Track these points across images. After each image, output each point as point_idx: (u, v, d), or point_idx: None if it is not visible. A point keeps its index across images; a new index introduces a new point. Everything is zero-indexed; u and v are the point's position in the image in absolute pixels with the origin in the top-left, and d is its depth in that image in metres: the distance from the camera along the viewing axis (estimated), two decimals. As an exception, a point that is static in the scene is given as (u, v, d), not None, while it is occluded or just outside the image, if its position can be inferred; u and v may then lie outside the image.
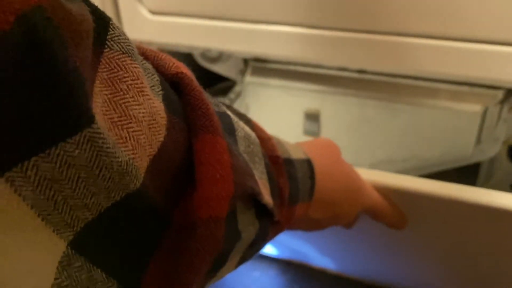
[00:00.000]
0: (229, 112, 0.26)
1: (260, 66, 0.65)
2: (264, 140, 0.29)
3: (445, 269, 0.49)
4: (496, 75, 0.49)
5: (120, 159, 0.17)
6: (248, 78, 0.66)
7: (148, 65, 0.21)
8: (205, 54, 0.69)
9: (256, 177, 0.25)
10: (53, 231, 0.16)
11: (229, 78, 0.71)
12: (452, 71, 0.50)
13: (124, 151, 0.17)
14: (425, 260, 0.50)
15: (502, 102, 0.58)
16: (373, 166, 0.64)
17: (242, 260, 0.28)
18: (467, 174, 0.80)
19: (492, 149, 0.61)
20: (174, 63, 0.23)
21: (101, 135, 0.16)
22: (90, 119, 0.16)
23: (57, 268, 0.17)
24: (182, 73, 0.23)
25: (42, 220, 0.16)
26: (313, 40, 0.54)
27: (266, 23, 0.55)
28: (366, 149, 0.64)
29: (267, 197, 0.26)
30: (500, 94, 0.57)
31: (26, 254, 0.16)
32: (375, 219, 0.42)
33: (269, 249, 0.76)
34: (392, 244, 0.48)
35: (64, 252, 0.17)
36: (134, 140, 0.18)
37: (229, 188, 0.22)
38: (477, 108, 0.57)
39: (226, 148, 0.22)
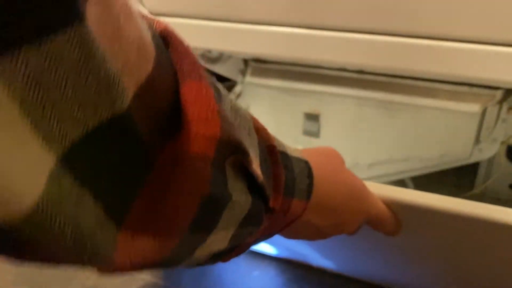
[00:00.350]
0: (219, 85, 0.26)
1: (260, 66, 0.65)
2: (260, 129, 0.29)
3: (442, 272, 0.49)
4: (494, 75, 0.49)
5: (108, 66, 0.17)
6: (248, 78, 0.66)
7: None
8: (205, 54, 0.69)
9: (245, 143, 0.25)
10: (43, 140, 0.16)
11: (229, 78, 0.72)
12: (451, 71, 0.50)
13: (114, 61, 0.18)
14: (422, 264, 0.50)
15: (501, 102, 0.58)
16: (372, 166, 0.65)
17: (236, 239, 0.28)
18: (466, 174, 0.80)
19: (491, 149, 0.61)
20: (161, 22, 0.24)
21: (92, 36, 0.17)
22: (81, 15, 0.16)
23: (47, 179, 0.17)
24: (169, 30, 0.23)
25: (31, 123, 0.16)
26: (313, 41, 0.54)
27: (266, 24, 0.56)
28: (365, 149, 0.64)
29: (255, 166, 0.26)
30: (498, 94, 0.57)
31: (18, 156, 0.16)
32: (375, 229, 0.41)
33: (269, 249, 0.77)
34: (390, 247, 0.48)
35: (53, 167, 0.17)
36: (124, 56, 0.18)
37: (215, 129, 0.22)
38: (476, 108, 0.57)
39: (212, 95, 0.22)
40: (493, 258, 0.43)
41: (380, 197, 0.41)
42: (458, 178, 0.81)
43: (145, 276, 0.78)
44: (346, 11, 0.51)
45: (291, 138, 0.68)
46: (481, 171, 0.76)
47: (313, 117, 0.65)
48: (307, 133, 0.66)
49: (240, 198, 0.26)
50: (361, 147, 0.64)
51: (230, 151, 0.24)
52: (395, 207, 0.41)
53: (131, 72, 0.19)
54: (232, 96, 0.72)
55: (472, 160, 0.61)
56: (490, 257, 0.43)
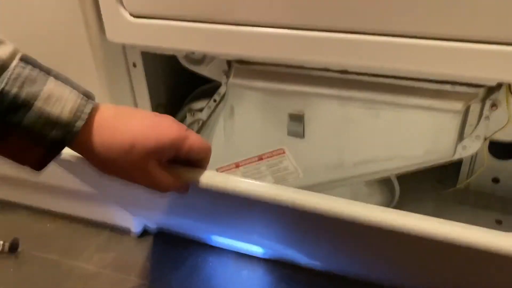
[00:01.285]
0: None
1: (243, 67, 0.65)
2: None
3: (426, 275, 0.50)
4: (477, 73, 0.49)
5: None
6: (232, 79, 0.66)
7: None
8: (188, 56, 0.69)
9: None
10: None
11: (213, 79, 0.71)
12: (434, 70, 0.50)
13: None
14: (404, 266, 0.51)
15: (484, 99, 0.59)
16: (358, 165, 0.65)
17: None
18: (449, 169, 0.81)
19: (474, 146, 0.62)
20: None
21: None
22: None
23: None
24: None
25: None
26: (295, 41, 0.54)
27: (249, 25, 0.55)
28: (350, 149, 0.65)
29: None
30: (481, 92, 0.57)
31: None
32: None
33: (257, 249, 0.78)
34: (376, 248, 0.49)
35: None
36: None
37: None
38: (459, 106, 0.57)
39: None
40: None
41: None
42: (442, 174, 0.82)
43: (135, 279, 0.79)
44: (329, 11, 0.51)
45: (276, 139, 0.68)
46: (465, 166, 0.77)
47: (297, 118, 0.65)
48: (292, 133, 0.66)
49: None
50: (346, 147, 0.65)
51: None
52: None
53: None
54: (216, 97, 0.72)
55: (456, 157, 0.62)
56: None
